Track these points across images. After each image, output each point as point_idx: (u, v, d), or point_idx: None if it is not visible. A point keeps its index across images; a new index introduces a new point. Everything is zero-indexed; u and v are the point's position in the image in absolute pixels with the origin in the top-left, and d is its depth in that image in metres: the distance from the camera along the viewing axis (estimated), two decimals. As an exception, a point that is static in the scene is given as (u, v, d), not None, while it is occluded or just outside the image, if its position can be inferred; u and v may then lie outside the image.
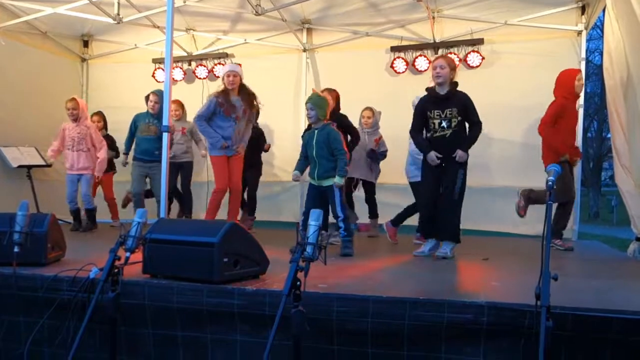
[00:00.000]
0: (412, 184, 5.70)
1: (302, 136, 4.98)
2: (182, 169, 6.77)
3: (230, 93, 5.40)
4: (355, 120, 5.99)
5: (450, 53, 6.82)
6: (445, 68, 4.46)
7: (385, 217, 6.19)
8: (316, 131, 4.68)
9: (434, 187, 4.58)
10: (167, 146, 4.60)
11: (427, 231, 4.72)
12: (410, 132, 4.73)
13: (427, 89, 4.68)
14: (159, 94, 6.10)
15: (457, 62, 4.79)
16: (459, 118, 4.46)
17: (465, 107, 4.45)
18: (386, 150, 6.13)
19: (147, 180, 6.35)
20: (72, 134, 6.17)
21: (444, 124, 4.47)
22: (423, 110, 4.61)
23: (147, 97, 6.29)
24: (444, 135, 4.49)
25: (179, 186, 6.82)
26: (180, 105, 6.89)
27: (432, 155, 4.48)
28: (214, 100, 5.36)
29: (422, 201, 4.73)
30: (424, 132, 4.66)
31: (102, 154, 6.23)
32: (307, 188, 4.91)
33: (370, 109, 6.07)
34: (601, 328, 2.53)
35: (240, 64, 5.73)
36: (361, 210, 6.31)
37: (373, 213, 6.25)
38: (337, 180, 4.55)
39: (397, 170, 6.88)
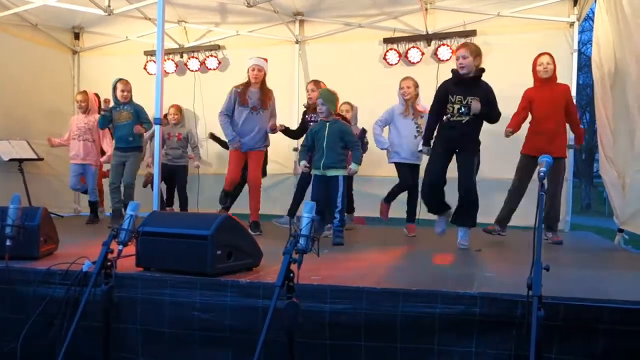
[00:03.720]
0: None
1: (311, 129, 5.06)
2: (177, 172, 6.82)
3: (251, 85, 5.51)
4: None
5: (443, 45, 6.82)
6: (468, 57, 4.41)
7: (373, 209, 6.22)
8: (327, 124, 4.85)
9: (442, 176, 4.55)
10: (159, 139, 4.58)
11: (435, 209, 4.74)
12: (429, 113, 4.72)
13: (452, 70, 4.59)
14: (126, 81, 6.07)
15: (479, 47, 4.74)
16: None
17: (487, 100, 4.44)
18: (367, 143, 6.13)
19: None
20: (79, 124, 6.42)
21: (463, 109, 4.44)
22: (445, 92, 4.53)
23: (114, 86, 6.05)
24: (460, 121, 4.46)
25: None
26: (178, 109, 6.95)
27: (426, 150, 4.59)
28: (233, 90, 5.51)
29: (430, 178, 4.60)
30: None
31: (110, 147, 6.38)
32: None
33: (348, 103, 6.10)
34: (593, 317, 2.55)
35: (266, 59, 5.71)
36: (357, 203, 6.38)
37: (349, 207, 6.24)
38: (354, 167, 4.83)
39: (383, 163, 6.89)
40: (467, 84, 4.44)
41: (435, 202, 4.69)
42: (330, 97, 4.86)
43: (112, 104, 6.17)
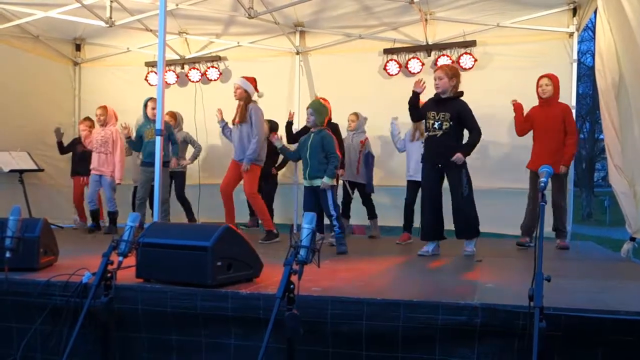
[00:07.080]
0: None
1: (299, 141, 5.23)
2: (175, 178, 6.88)
3: (239, 104, 5.73)
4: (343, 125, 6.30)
5: (443, 55, 6.85)
6: (443, 79, 4.66)
7: (382, 219, 6.29)
8: (312, 134, 4.92)
9: (436, 192, 4.74)
10: (159, 150, 4.60)
11: (431, 236, 4.79)
12: None
13: (435, 93, 4.86)
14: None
15: (457, 68, 5.04)
16: (451, 123, 4.62)
17: (458, 115, 4.63)
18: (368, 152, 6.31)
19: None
20: (97, 137, 6.62)
21: (436, 125, 4.67)
22: (425, 109, 4.84)
23: (145, 104, 6.33)
24: (435, 135, 4.69)
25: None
26: (173, 115, 6.97)
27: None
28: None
29: (425, 207, 4.82)
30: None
31: (119, 157, 6.58)
32: (302, 191, 5.00)
33: (355, 113, 6.38)
34: (594, 329, 2.53)
35: (253, 78, 5.83)
36: (362, 212, 6.40)
37: (371, 214, 6.38)
38: (326, 180, 4.77)
39: (389, 173, 6.94)
40: (442, 102, 4.70)
41: (433, 228, 4.74)
42: (319, 109, 4.92)
43: (133, 131, 6.46)
